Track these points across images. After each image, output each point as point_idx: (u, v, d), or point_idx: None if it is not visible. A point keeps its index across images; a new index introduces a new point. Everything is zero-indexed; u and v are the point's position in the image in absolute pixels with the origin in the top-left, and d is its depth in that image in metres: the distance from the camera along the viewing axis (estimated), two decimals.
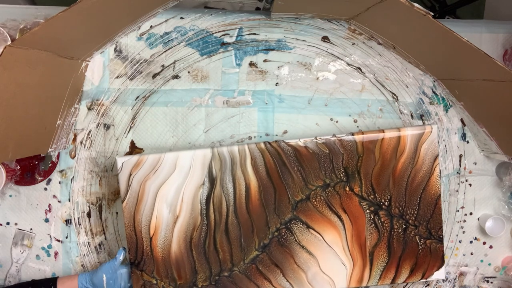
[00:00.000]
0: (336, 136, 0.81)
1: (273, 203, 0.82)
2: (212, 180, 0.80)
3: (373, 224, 0.83)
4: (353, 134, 0.81)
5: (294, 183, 0.81)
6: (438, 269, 0.84)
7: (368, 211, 0.83)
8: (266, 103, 0.91)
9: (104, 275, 0.80)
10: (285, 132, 0.91)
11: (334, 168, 0.81)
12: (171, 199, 0.80)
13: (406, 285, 0.95)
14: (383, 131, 0.81)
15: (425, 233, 0.83)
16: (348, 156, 0.81)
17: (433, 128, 0.81)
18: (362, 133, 0.81)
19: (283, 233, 0.82)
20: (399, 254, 0.83)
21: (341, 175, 0.82)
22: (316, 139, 0.81)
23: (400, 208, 0.83)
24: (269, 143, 0.80)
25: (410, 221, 0.83)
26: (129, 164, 0.79)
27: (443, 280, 0.94)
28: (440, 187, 0.83)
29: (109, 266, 0.81)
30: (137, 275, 0.81)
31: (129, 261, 0.82)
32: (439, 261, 0.84)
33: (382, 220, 0.83)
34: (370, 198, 0.82)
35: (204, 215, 0.81)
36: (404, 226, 0.83)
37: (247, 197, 0.81)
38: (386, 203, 0.82)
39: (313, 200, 0.82)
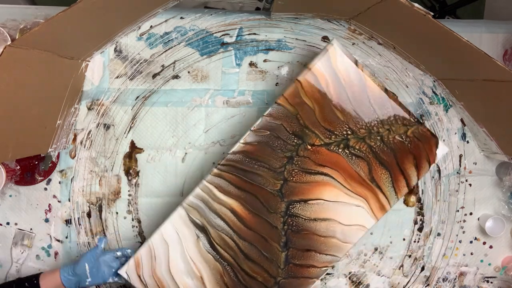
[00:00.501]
0: (264, 115, 0.79)
1: (263, 206, 0.81)
2: (202, 229, 0.80)
3: (354, 156, 0.81)
4: (276, 102, 0.79)
5: (265, 178, 0.80)
6: (437, 147, 0.81)
7: (340, 150, 0.81)
8: (266, 103, 0.91)
9: (86, 264, 0.80)
10: None
11: (285, 140, 0.80)
12: (185, 269, 0.80)
13: (407, 284, 0.95)
14: (297, 79, 0.79)
15: (400, 128, 0.81)
16: (287, 122, 0.80)
17: (333, 43, 0.78)
18: (282, 95, 0.79)
19: (291, 222, 0.82)
20: (395, 162, 0.81)
21: (295, 140, 0.80)
22: (251, 129, 0.79)
23: (364, 126, 0.81)
24: (220, 164, 0.80)
25: (380, 129, 0.81)
26: (132, 270, 0.80)
27: (443, 280, 0.94)
28: (380, 81, 0.80)
29: (90, 255, 0.81)
30: None
31: None
32: (432, 139, 0.81)
33: (358, 147, 0.81)
34: (333, 139, 0.81)
35: (220, 259, 0.81)
36: (379, 137, 0.81)
37: (239, 219, 0.81)
38: (349, 132, 0.81)
39: (291, 178, 0.81)
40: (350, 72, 0.79)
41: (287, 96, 0.79)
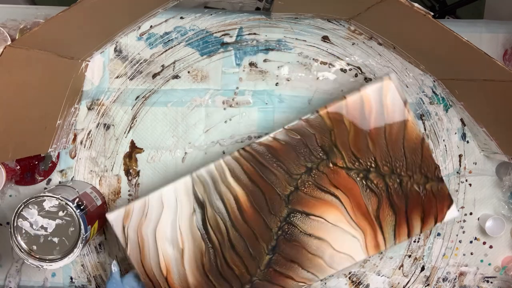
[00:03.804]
0: (301, 119, 0.79)
1: (266, 205, 0.81)
2: (201, 204, 0.80)
3: (368, 189, 0.81)
4: (317, 111, 0.79)
5: (279, 179, 0.80)
6: (448, 209, 0.81)
7: (358, 178, 0.81)
8: (266, 103, 0.91)
9: None
10: None
11: (311, 150, 0.80)
12: (170, 236, 0.80)
13: (407, 284, 0.95)
14: (344, 97, 0.79)
15: (421, 179, 0.81)
16: (320, 134, 0.80)
17: (391, 77, 0.79)
18: (325, 107, 0.79)
19: (286, 229, 0.82)
20: (404, 209, 0.81)
21: (320, 154, 0.80)
22: (284, 128, 0.80)
23: (388, 165, 0.81)
24: (242, 149, 0.80)
25: (402, 173, 0.81)
26: (119, 219, 0.80)
27: (443, 280, 0.94)
28: (420, 130, 0.80)
29: (111, 283, 0.81)
30: None
31: None
32: (447, 200, 0.81)
33: (375, 182, 0.81)
34: (355, 166, 0.81)
35: (206, 239, 0.80)
36: (398, 180, 0.81)
37: (239, 209, 0.80)
38: (373, 165, 0.81)
39: (303, 188, 0.81)
40: (395, 109, 0.80)
41: (330, 109, 0.79)
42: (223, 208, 0.80)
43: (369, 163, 0.81)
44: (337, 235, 0.82)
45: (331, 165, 0.81)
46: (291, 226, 0.82)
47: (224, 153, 0.91)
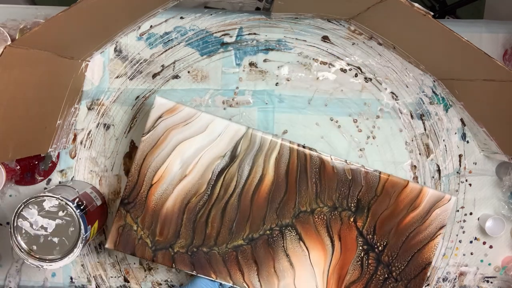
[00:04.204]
0: (364, 168, 0.81)
1: (278, 203, 0.81)
2: (233, 157, 0.80)
3: (360, 262, 0.83)
4: (380, 173, 0.82)
5: (307, 193, 0.81)
6: None
7: (360, 248, 0.83)
8: (266, 103, 0.91)
9: None
10: (285, 132, 0.91)
11: (349, 196, 0.82)
12: (187, 157, 0.79)
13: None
14: (408, 181, 0.82)
15: None
16: (366, 190, 0.82)
17: (451, 199, 0.83)
18: (388, 175, 0.82)
19: (274, 235, 0.82)
20: None
21: (352, 204, 0.82)
22: (346, 162, 0.81)
23: (390, 258, 0.83)
24: (303, 146, 0.81)
25: (394, 274, 0.83)
26: (163, 107, 0.79)
27: (443, 280, 0.94)
28: (434, 256, 0.84)
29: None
30: (122, 214, 0.80)
31: (121, 199, 0.80)
32: None
33: (370, 262, 0.83)
34: (368, 237, 0.83)
35: (211, 185, 0.80)
36: (386, 276, 0.83)
37: (256, 187, 0.80)
38: (380, 248, 0.83)
39: (316, 216, 0.82)
40: (433, 224, 0.83)
41: (390, 179, 0.82)
42: (246, 175, 0.80)
43: (378, 244, 0.83)
44: (306, 274, 0.83)
45: (351, 219, 0.83)
46: (280, 236, 0.82)
47: None
